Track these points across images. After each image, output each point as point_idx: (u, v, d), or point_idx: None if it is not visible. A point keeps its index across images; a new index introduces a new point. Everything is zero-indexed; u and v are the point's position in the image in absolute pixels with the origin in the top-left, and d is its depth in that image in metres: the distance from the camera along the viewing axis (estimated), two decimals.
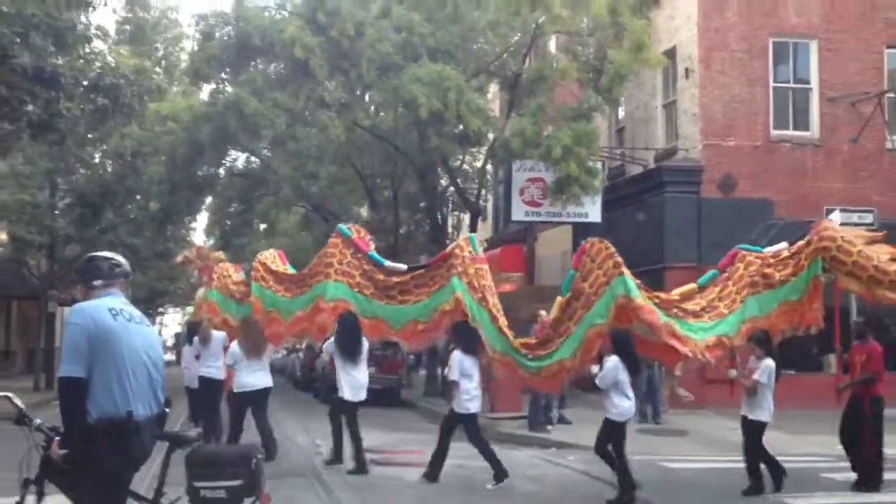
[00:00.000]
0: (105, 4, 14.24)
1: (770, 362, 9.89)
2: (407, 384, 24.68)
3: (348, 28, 17.93)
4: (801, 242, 10.16)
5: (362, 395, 11.40)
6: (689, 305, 9.92)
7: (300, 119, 22.59)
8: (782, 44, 19.55)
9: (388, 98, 18.89)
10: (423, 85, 17.21)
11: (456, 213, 29.05)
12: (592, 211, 19.54)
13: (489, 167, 24.13)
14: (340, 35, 17.98)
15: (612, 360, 9.60)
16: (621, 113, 22.48)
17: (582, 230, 21.83)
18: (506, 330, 10.10)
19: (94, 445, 4.54)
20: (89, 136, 23.96)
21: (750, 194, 18.76)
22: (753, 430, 9.98)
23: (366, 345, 11.50)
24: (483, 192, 24.78)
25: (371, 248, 11.25)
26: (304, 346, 31.07)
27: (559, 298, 9.96)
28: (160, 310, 63.43)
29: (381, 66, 18.31)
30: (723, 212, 18.51)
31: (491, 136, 19.73)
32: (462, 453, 13.09)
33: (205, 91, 25.32)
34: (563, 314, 9.79)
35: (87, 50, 15.02)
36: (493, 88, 25.09)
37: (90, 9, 14.36)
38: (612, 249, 9.69)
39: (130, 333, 4.71)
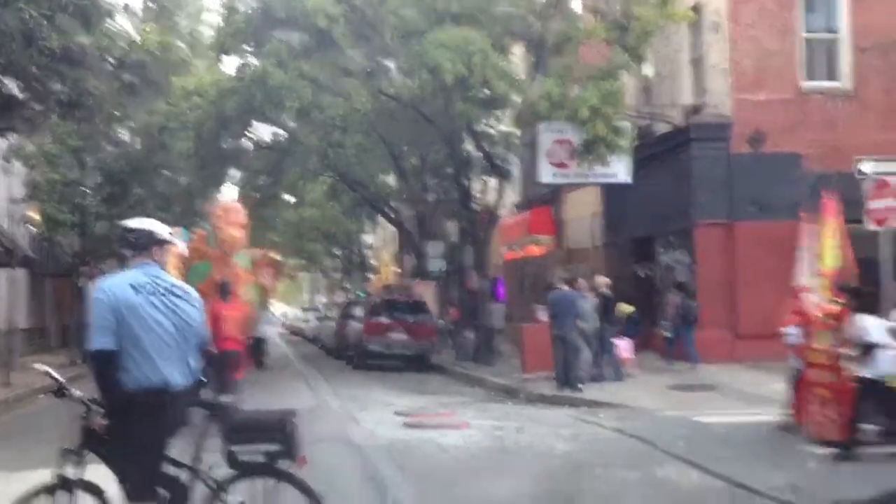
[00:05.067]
0: None
1: None
2: (438, 350, 24.77)
3: None
4: None
5: None
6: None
7: (325, 89, 22.54)
8: None
9: (412, 64, 18.77)
10: (447, 50, 17.06)
11: (483, 177, 28.92)
12: (621, 171, 19.36)
13: (516, 130, 23.95)
14: (363, 2, 17.87)
15: None
16: (649, 70, 22.17)
17: (611, 191, 21.72)
18: None
19: (130, 415, 4.63)
20: (117, 113, 24.06)
21: (780, 148, 18.43)
22: None
23: None
24: (510, 155, 24.64)
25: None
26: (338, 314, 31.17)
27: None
28: None
29: (405, 33, 18.18)
30: (753, 167, 18.26)
31: (517, 99, 19.57)
32: (497, 414, 13.21)
33: (227, 64, 25.36)
34: None
35: (110, 24, 15.06)
36: (519, 51, 24.84)
37: None
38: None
39: (154, 307, 4.74)
